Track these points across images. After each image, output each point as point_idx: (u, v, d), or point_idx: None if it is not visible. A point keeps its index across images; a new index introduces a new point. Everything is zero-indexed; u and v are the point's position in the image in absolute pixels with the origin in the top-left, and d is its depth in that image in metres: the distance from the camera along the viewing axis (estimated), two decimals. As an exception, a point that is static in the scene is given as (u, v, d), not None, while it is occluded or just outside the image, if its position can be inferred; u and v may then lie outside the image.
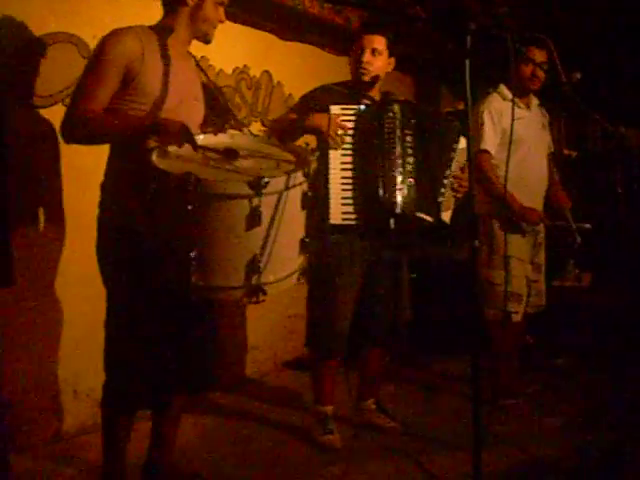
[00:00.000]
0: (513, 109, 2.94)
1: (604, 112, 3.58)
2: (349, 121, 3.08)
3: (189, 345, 2.64)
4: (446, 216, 3.18)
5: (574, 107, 3.95)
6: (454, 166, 3.16)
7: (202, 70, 2.76)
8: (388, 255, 3.32)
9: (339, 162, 3.07)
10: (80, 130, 2.40)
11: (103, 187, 2.56)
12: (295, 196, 2.23)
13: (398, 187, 3.04)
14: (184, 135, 2.28)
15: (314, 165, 2.30)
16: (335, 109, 3.06)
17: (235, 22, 4.21)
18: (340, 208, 3.04)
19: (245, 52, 4.36)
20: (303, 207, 2.28)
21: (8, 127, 2.82)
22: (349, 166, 3.07)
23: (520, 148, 3.74)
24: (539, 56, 3.74)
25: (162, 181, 2.17)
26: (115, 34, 2.44)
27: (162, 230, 2.23)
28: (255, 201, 2.10)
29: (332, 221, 3.03)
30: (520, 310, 3.81)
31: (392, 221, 3.07)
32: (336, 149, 3.05)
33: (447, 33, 3.11)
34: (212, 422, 3.61)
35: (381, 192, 3.03)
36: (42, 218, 3.19)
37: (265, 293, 2.21)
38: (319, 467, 3.07)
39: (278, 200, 2.16)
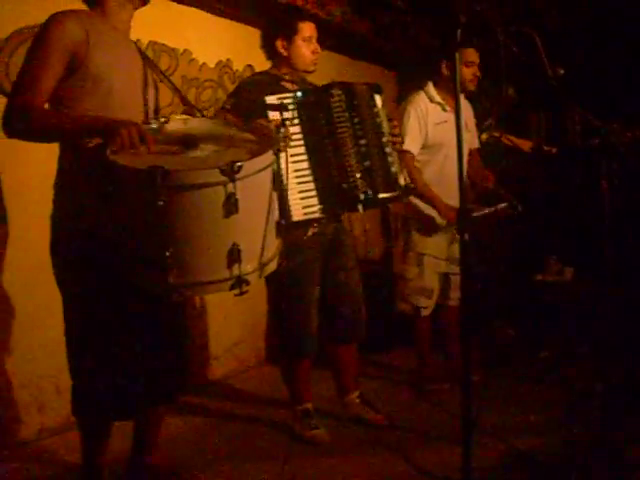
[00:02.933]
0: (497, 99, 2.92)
1: (587, 107, 3.60)
2: (289, 110, 2.95)
3: (158, 349, 2.51)
4: (403, 180, 3.12)
5: (556, 102, 3.98)
6: (385, 127, 3.10)
7: (145, 55, 2.61)
8: (344, 247, 3.34)
9: (289, 155, 2.83)
10: (19, 124, 2.23)
11: (57, 185, 2.41)
12: (267, 177, 2.16)
13: (357, 173, 2.97)
14: (140, 137, 2.12)
15: (282, 142, 2.23)
16: (272, 99, 2.93)
17: (218, 16, 4.20)
18: (300, 203, 2.94)
19: (228, 46, 4.35)
20: (274, 188, 2.20)
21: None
22: (300, 157, 2.98)
23: (440, 151, 3.80)
24: (475, 57, 3.78)
25: (124, 178, 2.07)
26: (57, 18, 2.28)
27: (131, 233, 2.12)
28: (230, 187, 2.01)
29: (294, 218, 2.91)
30: (429, 305, 3.89)
31: (360, 207, 3.01)
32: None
33: (434, 27, 3.12)
34: (194, 420, 3.60)
35: (342, 181, 2.96)
36: (18, 213, 3.15)
37: (248, 283, 2.13)
38: (306, 461, 3.06)
39: (252, 184, 2.07)
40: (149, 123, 2.31)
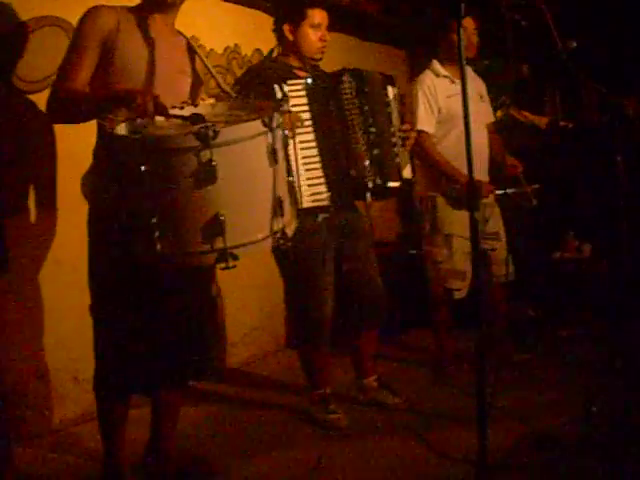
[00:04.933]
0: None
1: (601, 81, 3.54)
2: (299, 97, 2.97)
3: (182, 328, 2.59)
4: (407, 172, 3.12)
5: (570, 77, 3.92)
6: (395, 119, 3.10)
7: (195, 50, 2.71)
8: (356, 233, 3.31)
9: (297, 141, 2.93)
10: (63, 109, 2.41)
11: (92, 171, 2.55)
12: (257, 149, 2.08)
13: (366, 161, 2.98)
14: (155, 105, 2.18)
15: (277, 116, 2.13)
16: (280, 86, 2.92)
17: (225, 1, 4.17)
18: (308, 190, 2.94)
19: (235, 31, 4.32)
20: (272, 162, 2.11)
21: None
22: (310, 144, 2.97)
23: (458, 123, 3.62)
24: (468, 24, 3.69)
25: (118, 146, 2.12)
26: (90, 11, 2.45)
27: (129, 200, 2.14)
28: (205, 154, 1.96)
29: (303, 204, 2.91)
30: (462, 287, 3.78)
31: (368, 195, 3.02)
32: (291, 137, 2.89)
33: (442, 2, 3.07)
34: (213, 407, 3.60)
35: (352, 169, 2.97)
36: (35, 206, 3.16)
37: (236, 258, 2.06)
38: (324, 446, 3.06)
39: (236, 153, 2.02)
40: (175, 107, 2.30)
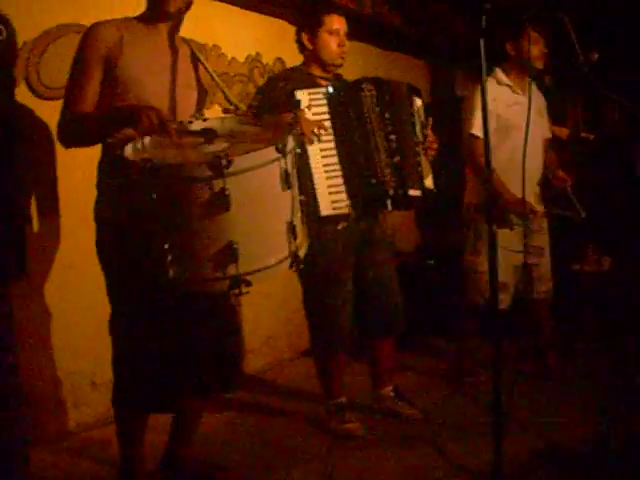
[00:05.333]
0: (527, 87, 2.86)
1: (623, 93, 3.52)
2: (319, 105, 2.98)
3: (201, 344, 2.55)
4: (429, 182, 3.12)
5: (592, 89, 3.90)
6: (418, 130, 3.10)
7: (199, 57, 2.65)
8: (376, 241, 3.30)
9: (318, 150, 2.95)
10: (75, 135, 2.41)
11: (97, 186, 2.52)
12: (271, 175, 2.05)
13: (387, 169, 2.98)
14: (160, 122, 2.17)
15: (290, 140, 2.11)
16: (301, 94, 2.95)
17: (246, 9, 4.19)
18: (328, 197, 2.93)
19: (257, 40, 4.34)
20: (285, 187, 2.09)
21: (20, 120, 2.84)
22: (330, 152, 2.98)
23: (513, 134, 3.66)
24: (540, 34, 3.66)
25: (128, 171, 2.08)
26: (91, 29, 2.42)
27: (140, 223, 2.14)
28: (218, 183, 1.95)
29: (323, 212, 2.92)
30: (504, 298, 3.69)
31: (389, 203, 3.03)
32: (313, 143, 2.94)
33: (464, 14, 3.08)
34: (229, 414, 3.59)
35: (372, 177, 2.97)
36: (53, 212, 3.19)
37: (249, 284, 2.05)
38: (339, 456, 3.05)
39: (249, 181, 2.00)
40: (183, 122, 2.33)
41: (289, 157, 2.10)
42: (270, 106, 3.00)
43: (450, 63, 6.05)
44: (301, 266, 2.17)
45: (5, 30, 2.77)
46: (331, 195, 2.95)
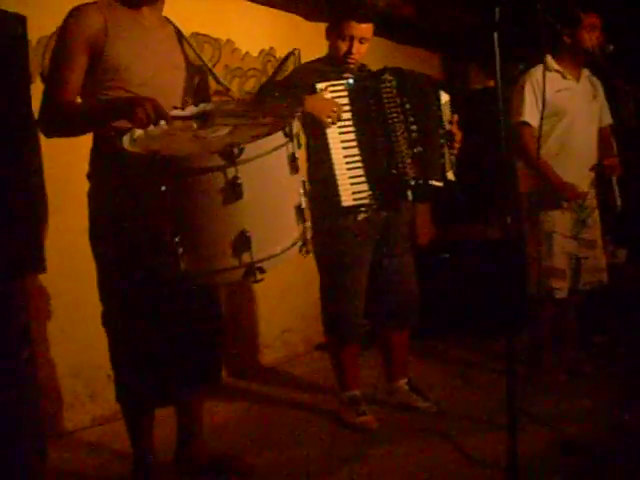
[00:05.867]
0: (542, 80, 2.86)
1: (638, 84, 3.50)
2: (340, 97, 3.00)
3: (194, 337, 2.56)
4: (450, 175, 3.13)
5: (608, 80, 3.87)
6: (444, 123, 3.11)
7: (183, 36, 2.60)
8: (396, 233, 3.30)
9: (339, 141, 2.98)
10: (59, 124, 2.34)
11: (90, 177, 2.48)
12: (279, 160, 2.04)
13: (408, 159, 3.00)
14: (156, 112, 2.14)
15: (296, 123, 2.11)
16: (322, 86, 2.97)
17: (260, 4, 4.20)
18: (350, 188, 2.96)
19: (271, 34, 4.35)
20: (293, 171, 2.09)
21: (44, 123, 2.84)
22: (351, 144, 3.00)
23: (564, 120, 3.66)
24: (597, 21, 3.64)
25: (133, 164, 2.06)
26: (73, 13, 2.33)
27: (144, 217, 2.12)
28: (231, 172, 1.93)
29: (344, 203, 2.95)
30: (563, 286, 3.71)
31: (410, 193, 3.05)
32: (332, 126, 2.96)
33: (478, 5, 3.05)
34: (243, 407, 3.63)
35: (392, 166, 2.99)
36: (73, 205, 3.20)
37: (263, 271, 2.03)
38: (353, 449, 3.06)
39: (259, 167, 1.98)
40: (177, 108, 2.30)
41: (295, 140, 2.10)
42: (290, 95, 2.99)
43: (463, 57, 6.04)
44: (310, 249, 2.18)
45: (21, 26, 2.78)
46: (353, 186, 2.97)
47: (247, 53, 4.17)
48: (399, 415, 3.41)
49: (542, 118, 3.10)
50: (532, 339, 3.88)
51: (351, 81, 3.04)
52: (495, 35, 2.15)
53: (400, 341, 3.47)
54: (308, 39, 4.56)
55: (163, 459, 2.77)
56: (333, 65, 3.19)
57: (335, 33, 3.15)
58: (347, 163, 2.98)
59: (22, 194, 2.55)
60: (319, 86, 2.98)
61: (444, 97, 3.15)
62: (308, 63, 3.28)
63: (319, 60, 3.27)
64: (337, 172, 2.96)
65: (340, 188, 2.95)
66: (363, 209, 3.08)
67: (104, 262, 2.48)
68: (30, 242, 2.63)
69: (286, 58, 2.90)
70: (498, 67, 2.21)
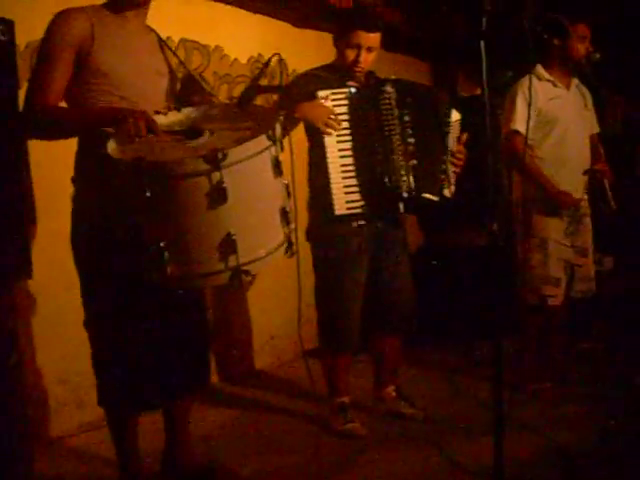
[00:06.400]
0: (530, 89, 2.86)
1: (626, 94, 3.53)
2: (341, 106, 3.01)
3: (177, 342, 2.54)
4: (448, 192, 3.15)
5: (594, 89, 3.91)
6: (450, 141, 3.13)
7: (165, 43, 2.63)
8: (391, 241, 3.31)
9: (336, 149, 3.00)
10: (39, 126, 2.34)
11: (74, 181, 2.46)
12: (263, 163, 2.07)
13: (402, 170, 3.02)
14: (147, 126, 2.15)
15: (279, 127, 2.12)
16: (323, 94, 2.99)
17: (248, 11, 4.21)
18: (344, 197, 2.98)
19: (259, 41, 4.35)
20: (276, 174, 2.11)
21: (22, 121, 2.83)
22: (348, 153, 3.02)
23: (557, 128, 3.69)
24: (586, 31, 3.66)
25: (116, 170, 2.06)
26: (60, 16, 2.33)
27: (128, 222, 2.12)
28: (215, 176, 1.95)
29: (337, 212, 2.98)
30: (558, 294, 3.72)
31: (401, 205, 3.07)
32: (330, 135, 2.98)
33: (465, 15, 3.08)
34: (231, 413, 3.62)
35: (386, 177, 3.00)
36: (57, 211, 3.19)
37: (249, 274, 2.05)
38: (341, 456, 3.06)
39: (243, 171, 2.00)
40: (159, 113, 2.31)
41: (278, 144, 2.12)
42: (291, 101, 3.03)
43: (452, 64, 6.06)
44: (295, 251, 2.20)
45: (7, 31, 2.77)
46: (346, 195, 2.99)
47: (236, 59, 4.18)
48: (387, 422, 3.42)
49: (528, 127, 3.13)
50: (520, 345, 3.88)
51: (353, 90, 3.06)
52: (482, 44, 2.16)
53: (392, 348, 3.48)
54: (295, 47, 4.57)
55: (150, 467, 2.76)
56: (339, 73, 3.21)
57: (343, 42, 3.16)
58: (343, 172, 3.00)
59: (8, 199, 2.53)
60: (320, 94, 3.00)
61: (455, 115, 3.16)
62: (312, 70, 3.29)
63: (324, 67, 3.28)
64: (332, 180, 2.98)
65: (334, 197, 2.98)
66: (356, 218, 3.10)
67: (86, 266, 2.47)
68: (16, 247, 2.62)
69: (267, 63, 2.91)
70: (485, 75, 2.22)
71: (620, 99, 3.55)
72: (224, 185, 1.95)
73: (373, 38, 3.13)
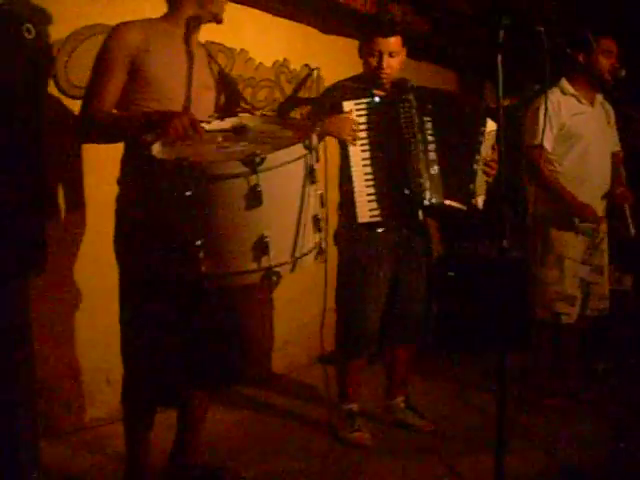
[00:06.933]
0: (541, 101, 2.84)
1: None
2: (363, 115, 3.04)
3: (209, 339, 2.62)
4: (479, 202, 3.15)
5: (619, 105, 3.87)
6: (483, 150, 3.12)
7: (213, 59, 2.73)
8: (414, 249, 3.30)
9: (360, 158, 3.04)
10: (93, 131, 2.46)
11: (119, 182, 2.57)
12: (298, 170, 2.16)
13: (422, 177, 3.03)
14: (192, 127, 2.24)
15: (315, 137, 2.22)
16: (348, 105, 3.03)
17: (275, 15, 4.22)
18: (367, 205, 3.02)
19: (285, 45, 4.36)
20: (311, 182, 2.20)
21: (46, 118, 2.89)
22: (370, 162, 3.05)
23: (579, 143, 3.67)
24: (612, 46, 3.64)
25: (160, 170, 2.17)
26: (117, 29, 2.46)
27: (169, 221, 2.21)
28: (252, 179, 2.04)
29: (360, 219, 3.02)
30: (572, 312, 3.70)
31: (420, 212, 3.09)
32: (354, 145, 3.03)
33: (486, 28, 3.07)
34: (242, 416, 3.63)
35: (405, 185, 3.02)
36: (73, 208, 3.24)
37: (280, 275, 2.15)
38: (346, 464, 3.06)
39: (278, 176, 2.09)
40: (203, 122, 2.37)
41: (314, 153, 2.20)
42: (321, 112, 3.10)
43: (479, 75, 6.04)
44: (324, 258, 2.31)
45: (34, 29, 2.82)
46: (369, 203, 3.04)
47: (261, 64, 4.19)
48: (394, 432, 3.42)
49: (542, 139, 3.11)
50: (534, 362, 3.85)
51: (377, 99, 3.08)
52: (499, 57, 2.15)
53: (403, 357, 3.48)
54: (321, 52, 4.59)
55: (155, 465, 2.78)
56: (366, 82, 3.22)
57: (366, 51, 3.19)
58: (366, 180, 3.04)
59: (26, 195, 2.58)
60: (345, 105, 3.04)
61: (490, 125, 3.14)
62: (342, 81, 3.30)
63: (353, 78, 3.30)
64: (356, 189, 3.03)
65: (357, 204, 3.02)
66: (379, 225, 3.13)
67: (127, 264, 2.55)
68: (32, 243, 2.66)
69: (306, 77, 2.97)
70: (500, 89, 2.21)
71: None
72: (259, 189, 2.04)
73: (393, 43, 3.14)
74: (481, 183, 3.14)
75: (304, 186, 2.18)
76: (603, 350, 4.32)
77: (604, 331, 4.19)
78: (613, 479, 2.82)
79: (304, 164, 2.17)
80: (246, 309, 2.83)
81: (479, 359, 4.42)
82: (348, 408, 3.37)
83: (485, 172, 3.14)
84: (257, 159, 2.02)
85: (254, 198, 2.05)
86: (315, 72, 4.38)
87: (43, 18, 2.98)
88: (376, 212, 3.04)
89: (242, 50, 4.06)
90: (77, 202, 3.26)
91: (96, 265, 3.27)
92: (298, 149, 2.14)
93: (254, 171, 2.03)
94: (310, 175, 2.19)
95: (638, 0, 4.59)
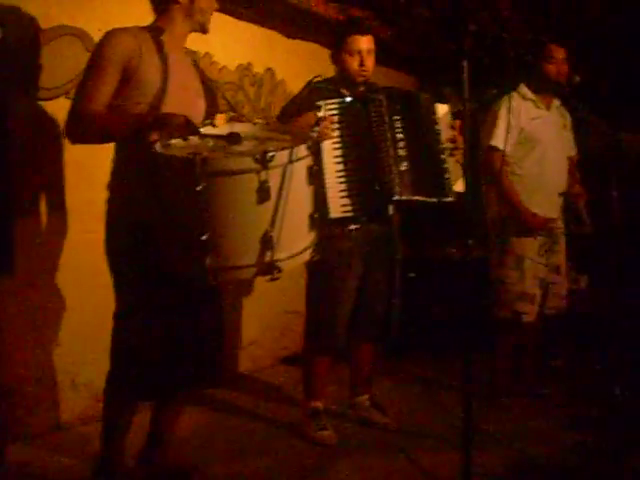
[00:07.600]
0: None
1: (604, 116, 3.60)
2: (335, 114, 3.10)
3: (199, 337, 2.65)
4: (459, 186, 3.20)
5: (574, 111, 3.98)
6: (443, 135, 3.20)
7: (198, 67, 2.79)
8: (382, 248, 3.35)
9: (332, 155, 3.09)
10: (83, 131, 2.47)
11: (110, 187, 2.58)
12: (300, 170, 2.25)
13: (392, 174, 3.10)
14: (188, 127, 2.31)
15: (314, 140, 2.32)
16: (320, 104, 3.08)
17: (239, 19, 4.24)
18: (338, 201, 3.07)
19: (249, 49, 4.39)
20: (310, 182, 2.30)
21: (12, 119, 2.87)
22: (342, 159, 3.10)
23: (537, 147, 3.76)
24: (560, 53, 3.74)
25: (169, 166, 2.21)
26: (112, 34, 2.48)
27: (174, 217, 2.25)
28: (263, 175, 2.12)
29: (332, 214, 3.06)
30: (532, 310, 3.78)
31: (391, 208, 3.18)
32: (327, 141, 3.07)
33: (449, 34, 3.14)
34: (207, 417, 3.63)
35: (376, 182, 3.10)
36: (45, 210, 3.22)
37: (280, 270, 2.21)
38: (312, 462, 3.10)
39: (284, 174, 2.17)
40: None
41: (314, 155, 2.31)
42: (294, 113, 3.16)
43: (439, 80, 6.11)
44: (318, 256, 2.35)
45: (1, 30, 2.81)
46: (341, 199, 3.08)
47: (225, 67, 4.20)
48: (358, 430, 3.46)
49: (505, 145, 3.18)
50: (494, 360, 3.94)
51: (347, 99, 3.15)
52: (464, 63, 2.21)
53: (368, 355, 3.54)
54: (284, 56, 4.64)
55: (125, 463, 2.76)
56: (344, 83, 3.30)
57: (343, 51, 3.26)
58: (338, 177, 3.09)
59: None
60: (319, 104, 3.08)
61: (441, 109, 3.23)
62: (319, 82, 3.35)
63: (328, 80, 3.35)
64: (328, 184, 3.07)
65: (329, 200, 3.06)
66: (350, 221, 3.19)
67: (123, 264, 2.56)
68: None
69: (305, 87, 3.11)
70: (466, 94, 2.28)
71: (601, 121, 3.61)
72: (267, 185, 2.12)
73: (369, 40, 3.26)
74: (454, 168, 3.20)
75: (304, 185, 2.28)
76: (558, 347, 4.43)
77: (559, 328, 4.29)
78: (573, 471, 2.89)
79: (306, 164, 2.27)
80: (221, 308, 2.84)
81: (443, 359, 4.51)
82: (313, 406, 3.41)
83: (451, 154, 3.20)
84: (268, 156, 2.10)
85: (263, 194, 2.13)
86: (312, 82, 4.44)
87: (10, 19, 2.96)
88: (348, 207, 3.09)
89: (206, 54, 4.07)
90: (49, 205, 3.25)
91: (63, 268, 3.27)
92: (302, 150, 2.23)
93: (265, 167, 2.11)
94: (310, 175, 2.29)
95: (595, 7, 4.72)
